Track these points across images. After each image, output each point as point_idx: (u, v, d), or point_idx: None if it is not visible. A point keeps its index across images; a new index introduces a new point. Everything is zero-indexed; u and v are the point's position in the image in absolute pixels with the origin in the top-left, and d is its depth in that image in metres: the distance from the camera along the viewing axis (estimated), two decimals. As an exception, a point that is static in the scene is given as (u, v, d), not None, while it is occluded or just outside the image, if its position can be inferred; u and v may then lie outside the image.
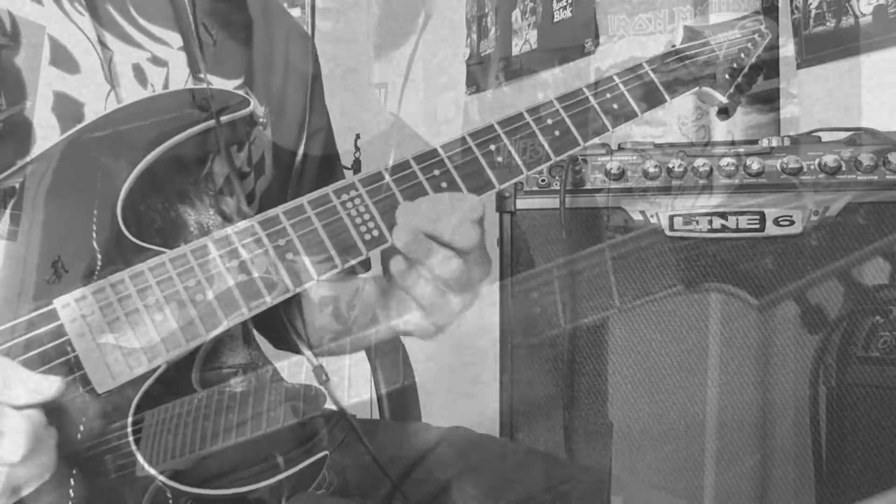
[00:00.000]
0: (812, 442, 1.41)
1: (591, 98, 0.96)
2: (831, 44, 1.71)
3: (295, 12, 2.77)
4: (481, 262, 0.88)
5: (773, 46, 1.12)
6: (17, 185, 0.83)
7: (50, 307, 0.77)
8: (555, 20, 2.40)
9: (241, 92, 1.03)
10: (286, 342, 1.10)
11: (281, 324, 1.03)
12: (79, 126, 0.87)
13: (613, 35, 2.20)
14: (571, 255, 1.48)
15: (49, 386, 0.73)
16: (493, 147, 0.90)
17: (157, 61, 0.97)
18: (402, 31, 3.04)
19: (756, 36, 1.09)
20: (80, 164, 0.85)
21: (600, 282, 1.48)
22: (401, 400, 1.40)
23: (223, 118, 0.90)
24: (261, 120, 1.06)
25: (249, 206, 1.06)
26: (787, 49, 1.80)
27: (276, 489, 0.84)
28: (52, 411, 0.74)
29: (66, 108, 0.90)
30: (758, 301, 1.43)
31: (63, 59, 0.90)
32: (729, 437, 1.45)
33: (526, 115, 0.93)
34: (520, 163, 0.91)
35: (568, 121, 0.94)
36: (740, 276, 1.44)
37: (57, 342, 0.76)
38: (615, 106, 0.97)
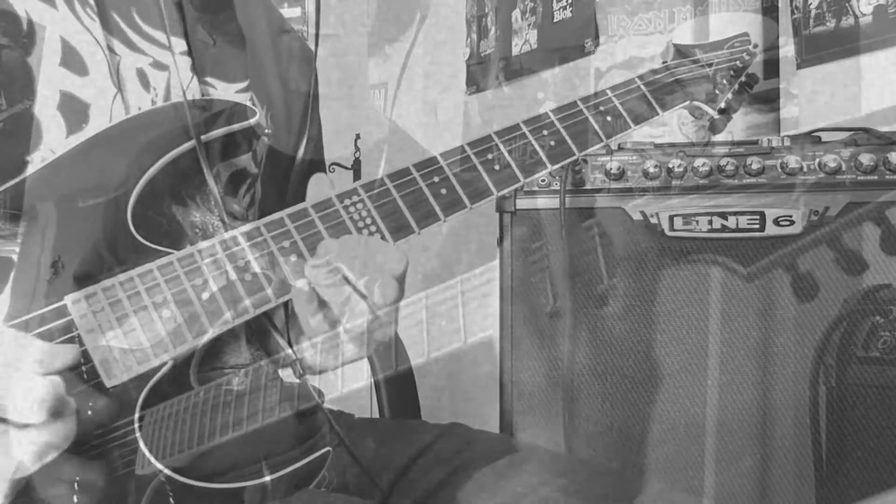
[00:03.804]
0: (812, 442, 1.41)
1: (585, 111, 1.01)
2: (831, 44, 1.71)
3: (295, 11, 2.76)
4: (385, 324, 0.86)
5: (773, 46, 1.14)
6: (21, 188, 0.85)
7: (61, 303, 0.79)
8: (555, 20, 2.40)
9: (245, 98, 1.04)
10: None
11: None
12: (89, 133, 0.89)
13: (613, 35, 2.21)
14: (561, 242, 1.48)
15: (66, 352, 0.76)
16: (490, 156, 0.94)
17: (158, 66, 0.99)
18: (398, 31, 3.04)
19: (745, 55, 1.14)
20: (88, 169, 0.87)
21: (590, 258, 1.48)
22: (399, 387, 1.40)
23: (231, 127, 0.92)
24: (266, 131, 1.07)
25: (251, 208, 1.07)
26: (787, 49, 1.80)
27: (274, 487, 0.84)
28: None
29: (72, 108, 0.91)
30: (746, 270, 1.43)
31: (73, 61, 0.92)
32: (729, 437, 1.45)
33: (523, 126, 0.98)
34: (517, 171, 0.95)
35: (563, 132, 0.99)
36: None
37: (67, 337, 0.78)
38: (609, 118, 1.02)
